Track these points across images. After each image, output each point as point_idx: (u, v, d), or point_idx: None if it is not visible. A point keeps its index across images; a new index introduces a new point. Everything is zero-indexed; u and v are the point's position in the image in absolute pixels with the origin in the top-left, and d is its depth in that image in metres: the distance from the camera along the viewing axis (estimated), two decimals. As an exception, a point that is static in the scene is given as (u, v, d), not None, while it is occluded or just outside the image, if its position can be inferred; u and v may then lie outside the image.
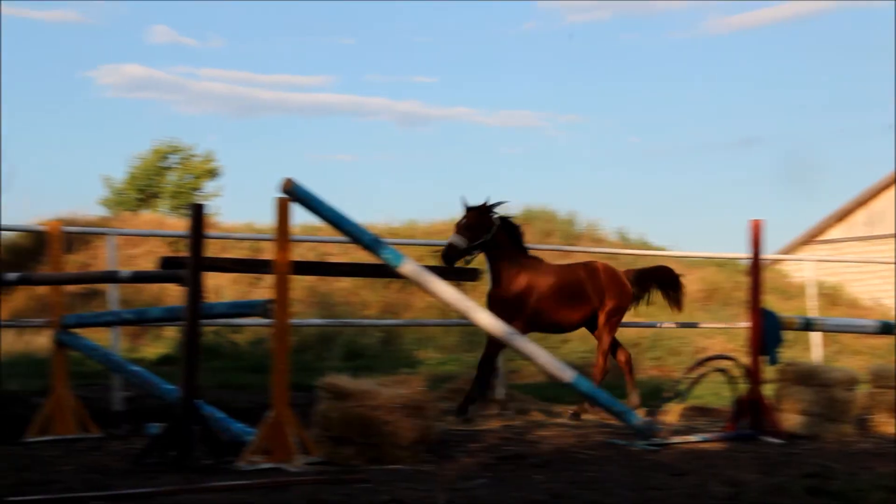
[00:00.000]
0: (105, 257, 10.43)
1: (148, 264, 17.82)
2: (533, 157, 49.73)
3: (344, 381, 7.18)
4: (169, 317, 8.57)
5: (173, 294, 16.64)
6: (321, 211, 7.13)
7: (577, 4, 50.37)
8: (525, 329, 9.85)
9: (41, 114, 44.43)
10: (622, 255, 23.17)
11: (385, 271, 7.71)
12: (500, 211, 10.16)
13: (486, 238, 9.93)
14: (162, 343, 16.42)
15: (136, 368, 8.87)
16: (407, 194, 46.23)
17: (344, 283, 19.27)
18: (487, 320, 7.73)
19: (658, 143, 51.08)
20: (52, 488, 5.84)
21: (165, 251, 18.61)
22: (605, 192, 45.18)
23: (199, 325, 7.06)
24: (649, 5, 50.23)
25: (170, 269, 7.48)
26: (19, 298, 18.93)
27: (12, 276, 9.32)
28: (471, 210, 10.01)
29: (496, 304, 9.91)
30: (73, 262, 18.12)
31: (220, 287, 18.10)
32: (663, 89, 50.86)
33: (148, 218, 26.48)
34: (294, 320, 7.00)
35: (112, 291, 9.97)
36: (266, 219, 20.30)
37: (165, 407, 8.03)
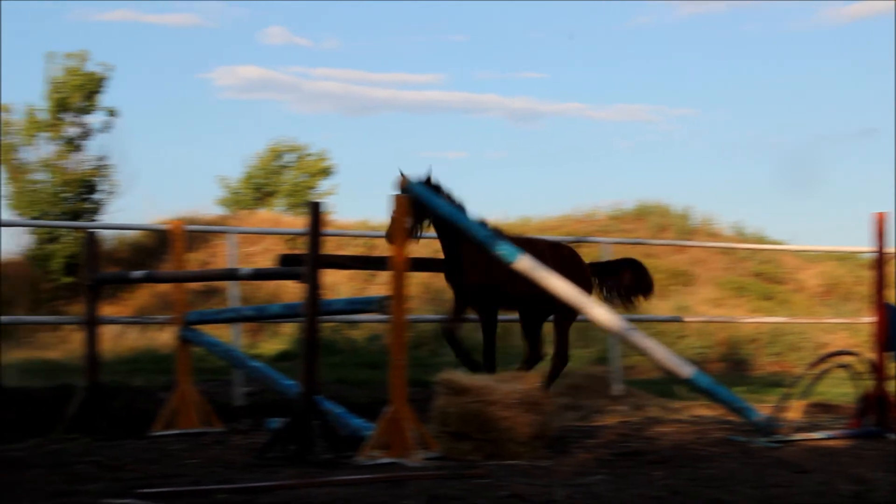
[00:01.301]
0: (223, 255, 10.63)
1: (265, 262, 18.08)
2: (646, 151, 49.19)
3: (461, 376, 7.20)
4: (288, 313, 8.67)
5: (290, 291, 16.87)
6: (437, 207, 7.16)
7: (689, -5, 49.68)
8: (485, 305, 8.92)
9: (161, 116, 45.26)
10: (738, 249, 22.96)
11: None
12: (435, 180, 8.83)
13: (422, 210, 8.52)
14: (280, 339, 16.67)
15: (256, 364, 9.02)
16: (520, 190, 46.05)
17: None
18: (603, 315, 7.69)
19: (774, 136, 50.14)
20: (179, 481, 5.95)
21: (282, 248, 18.87)
22: (720, 186, 44.49)
23: (317, 321, 7.15)
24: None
25: (288, 266, 7.58)
26: (143, 296, 19.39)
27: (138, 273, 9.53)
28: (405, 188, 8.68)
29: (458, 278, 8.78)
30: (194, 261, 18.47)
31: (337, 284, 18.29)
32: (778, 81, 49.92)
33: (264, 216, 26.89)
34: (410, 316, 7.04)
35: (232, 289, 10.15)
36: (380, 216, 20.48)
37: (285, 402, 8.15)
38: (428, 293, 18.19)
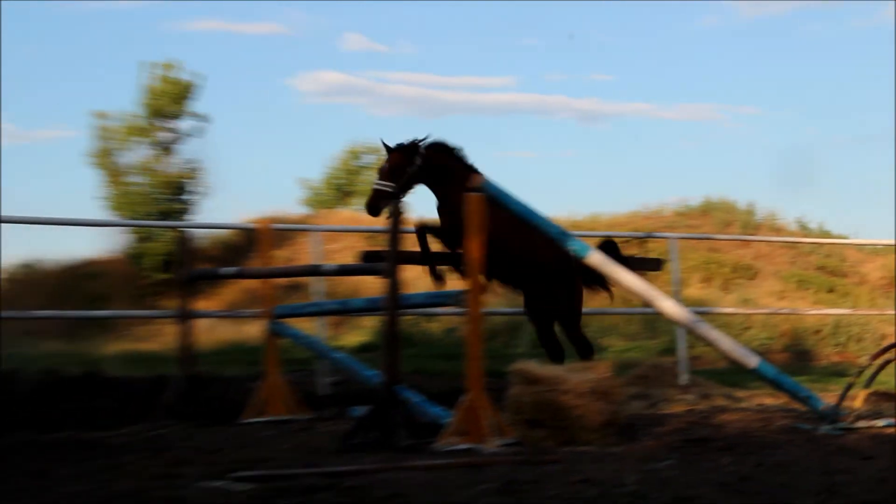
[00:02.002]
0: (306, 252, 10.70)
1: (345, 258, 18.19)
2: (710, 148, 48.73)
3: (534, 367, 7.19)
4: (370, 307, 8.71)
5: (369, 286, 16.97)
6: (511, 205, 7.17)
7: (754, -1, 49.05)
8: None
9: (248, 120, 45.69)
10: (802, 243, 22.69)
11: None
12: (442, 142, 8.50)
13: (413, 170, 8.27)
14: (361, 331, 16.77)
15: (339, 355, 9.10)
16: (588, 188, 45.84)
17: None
18: (671, 308, 7.65)
19: (836, 133, 49.42)
20: (269, 465, 6.03)
21: (362, 246, 18.97)
22: (783, 182, 43.93)
23: (398, 314, 7.19)
24: (828, -5, 48.56)
25: (370, 263, 7.63)
26: (233, 291, 19.60)
27: (228, 270, 9.66)
28: (392, 151, 8.38)
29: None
30: (279, 258, 18.64)
31: (414, 279, 18.35)
32: (840, 79, 49.16)
33: (345, 215, 27.06)
34: (484, 309, 7.05)
35: (316, 284, 10.24)
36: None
37: (368, 391, 8.20)
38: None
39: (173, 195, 24.70)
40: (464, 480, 5.45)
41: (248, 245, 20.85)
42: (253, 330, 14.54)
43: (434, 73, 53.70)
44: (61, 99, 43.33)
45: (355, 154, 36.01)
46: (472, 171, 8.19)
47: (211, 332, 15.67)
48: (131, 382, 9.30)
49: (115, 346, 14.91)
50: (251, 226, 9.98)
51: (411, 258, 7.86)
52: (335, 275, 8.71)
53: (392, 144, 8.34)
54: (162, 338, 15.73)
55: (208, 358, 10.74)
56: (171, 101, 25.02)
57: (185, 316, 8.80)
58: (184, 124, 25.52)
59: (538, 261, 8.20)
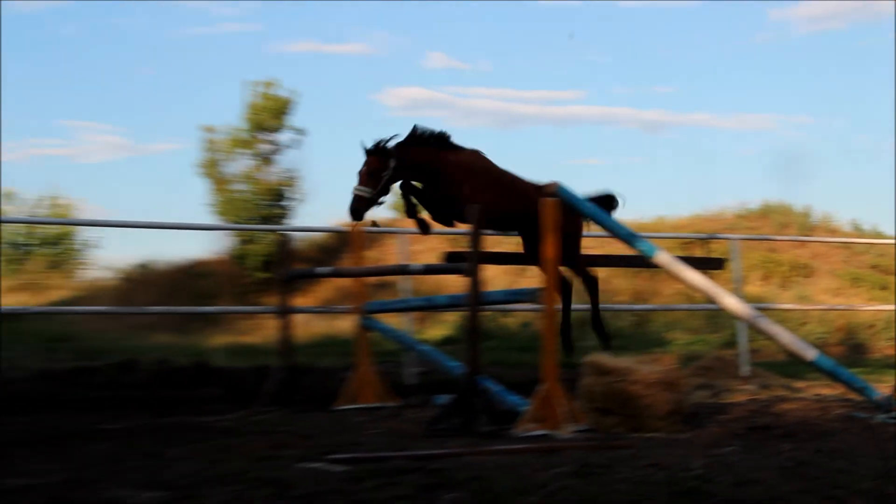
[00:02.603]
0: (392, 253, 10.74)
1: (428, 258, 18.21)
2: (767, 155, 48.05)
3: (605, 359, 7.15)
4: (453, 303, 8.71)
5: (451, 284, 16.97)
6: (584, 209, 7.12)
7: (811, 14, 48.25)
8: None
9: (339, 133, 46.03)
10: (856, 243, 22.24)
11: (640, 262, 7.64)
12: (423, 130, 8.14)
13: (388, 174, 7.95)
14: (444, 326, 16.77)
15: (425, 347, 9.11)
16: (654, 193, 45.38)
17: (598, 272, 19.13)
18: (734, 304, 7.53)
19: (887, 141, 48.47)
20: (362, 448, 6.05)
21: (442, 247, 18.98)
22: (838, 187, 43.13)
23: (479, 310, 7.18)
24: (883, 9, 47.54)
25: (453, 263, 7.62)
26: (327, 289, 19.72)
27: (324, 269, 9.72)
28: (370, 154, 8.00)
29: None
30: (368, 258, 18.72)
31: (493, 277, 18.32)
32: (889, 89, 48.17)
33: (427, 218, 27.00)
34: (558, 306, 7.02)
35: (403, 282, 10.27)
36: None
37: (450, 381, 8.20)
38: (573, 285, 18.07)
39: (273, 201, 24.92)
40: (540, 463, 5.42)
41: (340, 246, 20.98)
42: (345, 324, 14.63)
43: (509, 88, 53.62)
44: (173, 115, 44.11)
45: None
46: (452, 147, 8.07)
47: (307, 327, 15.80)
48: (235, 372, 9.40)
49: (220, 339, 15.07)
50: (344, 229, 10.02)
51: (491, 258, 7.84)
52: (421, 274, 8.69)
53: (369, 146, 8.00)
54: (263, 331, 15.88)
55: (305, 350, 10.83)
56: (271, 116, 25.25)
57: (285, 311, 8.87)
58: (282, 137, 25.74)
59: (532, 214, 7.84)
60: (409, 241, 10.62)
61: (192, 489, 4.65)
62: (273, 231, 20.66)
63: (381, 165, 7.94)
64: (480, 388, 7.01)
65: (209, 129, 24.93)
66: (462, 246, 7.66)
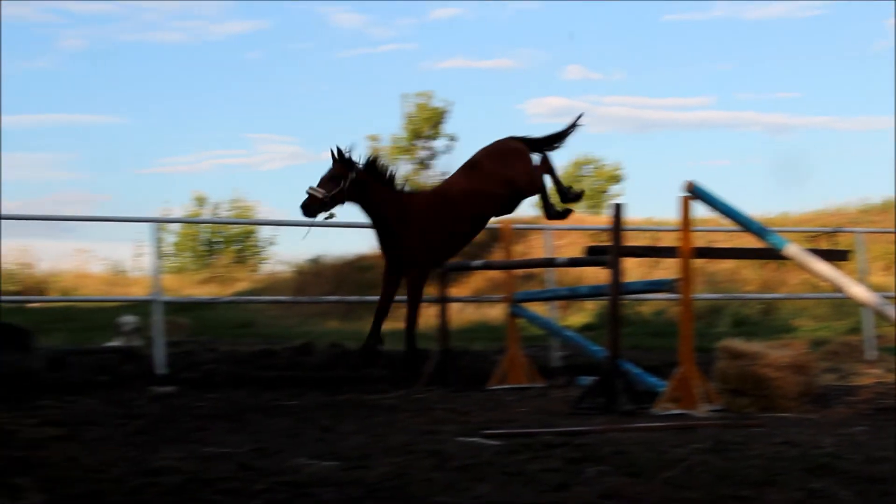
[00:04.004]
0: (536, 247, 10.69)
1: (570, 252, 18.00)
2: (887, 154, 46.13)
3: (738, 343, 6.98)
4: (595, 293, 8.60)
5: (589, 276, 16.81)
6: (717, 206, 6.93)
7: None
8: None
9: (487, 141, 46.24)
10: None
11: (770, 254, 7.40)
12: (368, 159, 7.92)
13: (343, 186, 7.66)
14: (584, 314, 16.62)
15: (569, 333, 9.03)
16: (778, 191, 44.11)
17: (727, 264, 18.70)
18: (861, 292, 7.21)
19: None
20: (513, 425, 6.04)
21: (583, 242, 18.81)
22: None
23: (620, 299, 7.09)
24: None
25: (595, 256, 7.53)
26: (476, 280, 19.79)
27: (478, 262, 9.77)
28: (336, 160, 7.74)
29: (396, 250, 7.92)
30: (515, 252, 18.71)
31: (627, 269, 18.07)
32: None
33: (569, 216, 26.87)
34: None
35: (548, 274, 10.21)
36: (661, 213, 20.09)
37: (593, 364, 8.12)
38: (701, 275, 17.71)
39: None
40: (677, 440, 5.32)
41: (489, 242, 20.99)
42: (494, 312, 14.68)
43: (641, 96, 53.00)
44: (340, 126, 45.22)
45: (578, 165, 35.89)
46: (397, 190, 7.85)
47: (460, 314, 15.90)
48: (398, 355, 9.49)
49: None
50: (494, 225, 10.03)
51: (631, 251, 7.70)
52: (566, 266, 8.64)
53: (340, 154, 7.76)
54: (421, 319, 16.01)
55: (459, 335, 10.87)
56: (427, 125, 25.57)
57: (443, 300, 8.93)
58: (438, 144, 26.08)
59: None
60: (554, 236, 10.54)
61: (362, 459, 4.72)
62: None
63: (343, 174, 7.70)
64: (621, 370, 6.92)
65: (373, 138, 25.38)
66: (602, 241, 7.57)
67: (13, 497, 3.83)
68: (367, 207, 7.85)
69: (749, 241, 7.70)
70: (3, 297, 16.23)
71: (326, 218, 7.74)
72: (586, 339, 8.60)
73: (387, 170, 7.93)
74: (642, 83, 50.10)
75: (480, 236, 8.76)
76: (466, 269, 13.51)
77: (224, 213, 28.73)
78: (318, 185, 7.66)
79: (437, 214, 7.94)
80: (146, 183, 43.83)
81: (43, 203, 39.30)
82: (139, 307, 10.79)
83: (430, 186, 8.30)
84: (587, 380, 7.60)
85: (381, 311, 8.24)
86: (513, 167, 8.24)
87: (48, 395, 7.39)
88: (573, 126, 8.70)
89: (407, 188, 8.25)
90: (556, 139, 8.63)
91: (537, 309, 9.75)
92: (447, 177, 9.12)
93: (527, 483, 4.17)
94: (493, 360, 8.97)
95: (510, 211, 8.53)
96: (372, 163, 7.85)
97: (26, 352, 8.55)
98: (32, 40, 45.48)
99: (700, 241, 8.44)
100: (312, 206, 7.64)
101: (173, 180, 42.81)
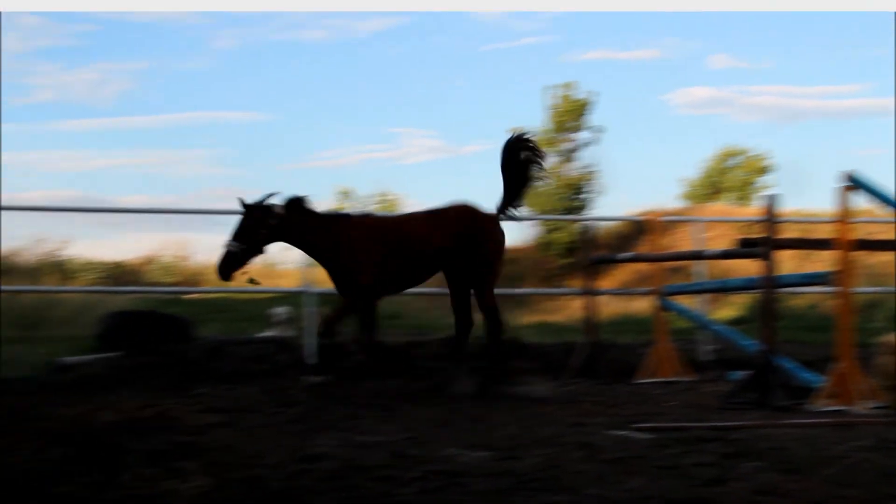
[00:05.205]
0: (682, 240, 10.47)
1: (718, 245, 17.63)
2: None
3: (901, 339, 6.68)
4: (747, 286, 8.38)
5: (738, 268, 16.39)
6: (880, 196, 6.66)
7: None
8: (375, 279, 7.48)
9: (633, 131, 45.66)
10: None
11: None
12: (280, 200, 7.30)
13: (264, 233, 7.11)
14: (733, 307, 16.24)
15: (719, 326, 8.85)
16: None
17: (885, 256, 17.93)
18: None
19: None
20: (663, 418, 5.97)
21: (731, 235, 18.36)
22: None
23: (774, 292, 6.90)
24: None
25: (747, 248, 7.35)
26: (623, 272, 19.59)
27: (625, 255, 9.65)
28: (247, 211, 7.15)
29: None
30: (661, 245, 18.41)
31: (778, 262, 17.55)
32: None
33: (716, 208, 26.35)
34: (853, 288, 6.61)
35: (697, 266, 10.01)
36: (812, 204, 19.43)
37: (744, 358, 7.93)
38: (861, 268, 17.03)
39: (575, 194, 25.10)
40: (836, 437, 5.16)
41: (633, 234, 20.77)
42: (641, 305, 14.47)
43: (790, 84, 51.25)
44: (482, 119, 45.46)
45: (725, 156, 35.03)
46: (326, 218, 7.37)
47: (606, 307, 15.75)
48: (545, 348, 9.47)
49: (529, 318, 15.29)
50: (640, 218, 9.90)
51: (785, 244, 7.48)
52: (717, 258, 8.46)
53: (248, 202, 7.17)
54: (567, 311, 15.98)
55: (606, 328, 10.76)
56: (571, 117, 25.44)
57: (589, 293, 8.88)
58: (582, 136, 25.91)
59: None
60: (703, 228, 10.32)
61: (512, 451, 4.75)
62: (576, 221, 20.74)
63: (258, 223, 7.14)
64: (775, 364, 6.74)
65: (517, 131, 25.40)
66: (753, 233, 7.38)
67: (182, 479, 4.01)
68: (297, 243, 7.42)
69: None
70: (162, 289, 17.01)
71: (249, 282, 7.41)
72: (737, 333, 8.40)
73: (309, 204, 7.42)
74: (791, 71, 48.50)
75: (626, 228, 8.62)
76: (613, 261, 13.41)
77: (371, 207, 29.30)
78: (233, 239, 7.13)
79: (371, 236, 7.45)
80: (293, 178, 45.08)
81: (198, 197, 40.80)
82: (290, 298, 11.07)
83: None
84: (739, 374, 7.43)
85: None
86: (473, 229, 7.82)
87: (207, 383, 7.69)
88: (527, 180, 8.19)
89: (336, 213, 7.88)
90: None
91: (685, 302, 9.58)
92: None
93: (679, 477, 4.12)
94: (641, 353, 8.86)
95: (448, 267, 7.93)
96: (295, 202, 7.34)
97: (187, 342, 8.91)
98: (186, 42, 47.27)
99: (857, 232, 8.13)
100: (229, 263, 7.10)
101: (318, 175, 43.86)
